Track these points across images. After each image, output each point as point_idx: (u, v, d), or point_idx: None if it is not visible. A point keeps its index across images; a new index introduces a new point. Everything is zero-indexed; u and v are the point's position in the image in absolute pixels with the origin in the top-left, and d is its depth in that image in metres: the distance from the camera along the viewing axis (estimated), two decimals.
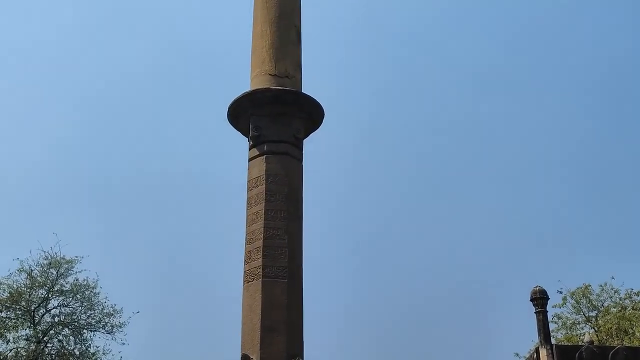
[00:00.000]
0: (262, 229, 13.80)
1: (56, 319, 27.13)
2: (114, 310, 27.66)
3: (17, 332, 26.34)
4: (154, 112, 46.25)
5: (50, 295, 27.28)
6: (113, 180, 43.43)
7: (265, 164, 14.39)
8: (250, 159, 14.84)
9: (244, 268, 13.84)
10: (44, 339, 26.47)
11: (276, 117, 14.65)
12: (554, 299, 29.16)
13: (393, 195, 43.31)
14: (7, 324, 26.23)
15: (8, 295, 26.72)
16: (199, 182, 42.77)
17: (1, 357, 24.97)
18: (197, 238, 39.93)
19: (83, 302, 27.53)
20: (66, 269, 27.81)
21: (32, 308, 26.87)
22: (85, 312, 27.48)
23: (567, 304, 32.04)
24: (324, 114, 15.43)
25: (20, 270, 27.39)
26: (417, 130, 44.93)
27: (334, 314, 32.66)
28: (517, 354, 31.03)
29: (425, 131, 45.49)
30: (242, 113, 15.08)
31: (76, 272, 27.75)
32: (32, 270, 27.44)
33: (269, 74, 15.20)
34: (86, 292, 27.59)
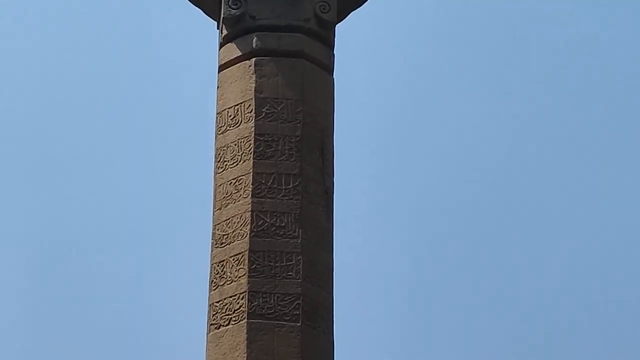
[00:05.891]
0: (249, 214, 9.03)
1: None
2: None
3: None
4: None
5: None
6: None
7: (254, 77, 9.18)
8: (221, 67, 9.43)
9: (209, 298, 9.09)
10: None
11: None
12: None
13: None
14: None
15: None
16: (113, 110, 22.09)
17: None
18: (110, 233, 19.39)
19: None
20: None
21: None
22: None
23: None
24: None
25: None
26: None
27: None
28: None
29: None
30: None
31: None
32: None
33: None
34: None
